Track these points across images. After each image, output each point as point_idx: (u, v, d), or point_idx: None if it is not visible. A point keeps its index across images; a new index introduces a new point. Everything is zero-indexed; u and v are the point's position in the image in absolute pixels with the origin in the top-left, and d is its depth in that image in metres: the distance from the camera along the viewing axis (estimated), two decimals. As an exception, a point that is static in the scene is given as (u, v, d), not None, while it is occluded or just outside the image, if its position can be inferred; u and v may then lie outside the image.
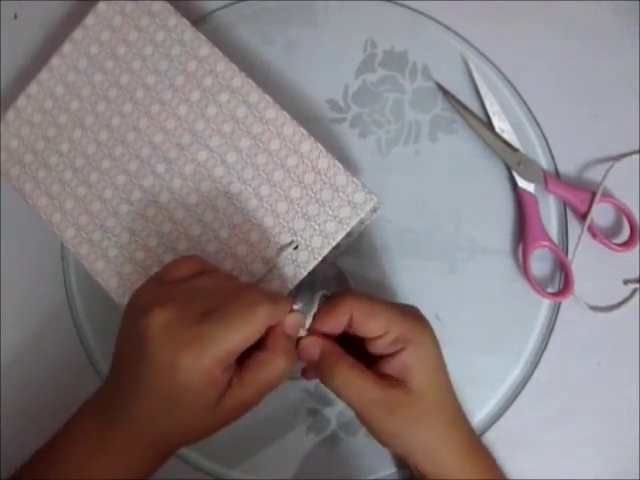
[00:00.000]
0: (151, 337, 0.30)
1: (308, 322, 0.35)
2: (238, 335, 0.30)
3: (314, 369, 0.35)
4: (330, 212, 0.38)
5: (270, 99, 0.40)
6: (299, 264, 0.38)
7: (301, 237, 0.39)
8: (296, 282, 0.38)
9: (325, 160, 0.39)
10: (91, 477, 0.31)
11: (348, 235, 0.38)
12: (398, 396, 0.33)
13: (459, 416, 0.36)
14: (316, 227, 0.38)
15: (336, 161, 0.39)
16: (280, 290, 0.39)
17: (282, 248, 0.39)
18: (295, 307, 0.34)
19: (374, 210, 0.40)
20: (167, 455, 0.33)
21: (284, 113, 0.40)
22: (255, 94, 0.40)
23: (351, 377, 0.33)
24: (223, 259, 0.40)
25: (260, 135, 0.40)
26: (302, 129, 0.39)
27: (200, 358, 0.29)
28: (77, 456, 0.32)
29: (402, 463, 0.43)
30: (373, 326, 0.33)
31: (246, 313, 0.31)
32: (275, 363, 0.32)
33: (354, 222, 0.38)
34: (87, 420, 0.33)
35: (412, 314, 0.35)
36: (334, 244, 0.38)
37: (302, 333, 0.35)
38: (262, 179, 0.40)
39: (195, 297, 0.32)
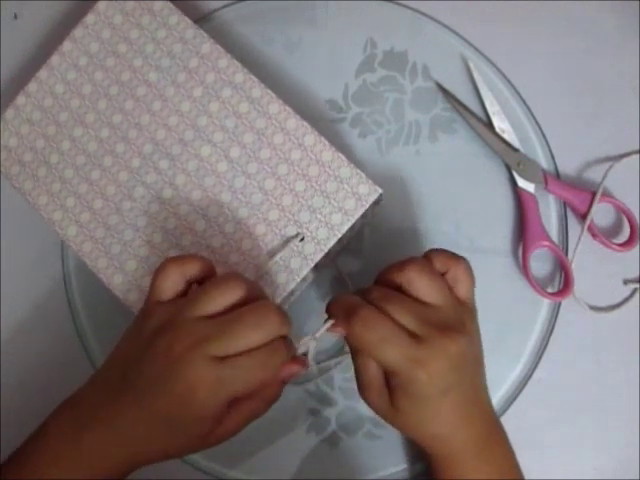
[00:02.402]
0: (186, 366, 0.30)
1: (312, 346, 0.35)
2: (253, 381, 0.32)
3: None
4: (335, 204, 0.39)
5: (273, 94, 0.41)
6: (305, 256, 0.39)
7: (307, 229, 0.39)
8: (302, 274, 0.39)
9: (329, 153, 0.39)
10: (57, 477, 0.31)
11: (351, 228, 0.39)
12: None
13: (471, 407, 0.35)
14: (322, 219, 0.39)
15: (340, 153, 0.39)
16: (287, 282, 0.39)
17: (288, 240, 0.39)
18: (299, 351, 0.35)
19: (377, 202, 0.40)
20: (134, 469, 0.33)
21: (287, 107, 0.40)
22: (257, 89, 0.41)
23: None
24: (228, 253, 0.40)
25: (264, 130, 0.40)
26: (305, 123, 0.40)
27: (216, 396, 0.31)
28: (47, 454, 0.32)
29: (413, 458, 0.43)
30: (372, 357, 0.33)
31: (265, 363, 0.32)
32: (263, 410, 0.34)
33: (359, 213, 0.38)
34: (64, 419, 0.33)
35: (417, 358, 0.31)
36: (340, 235, 0.38)
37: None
38: (266, 173, 0.40)
39: (222, 334, 0.31)
